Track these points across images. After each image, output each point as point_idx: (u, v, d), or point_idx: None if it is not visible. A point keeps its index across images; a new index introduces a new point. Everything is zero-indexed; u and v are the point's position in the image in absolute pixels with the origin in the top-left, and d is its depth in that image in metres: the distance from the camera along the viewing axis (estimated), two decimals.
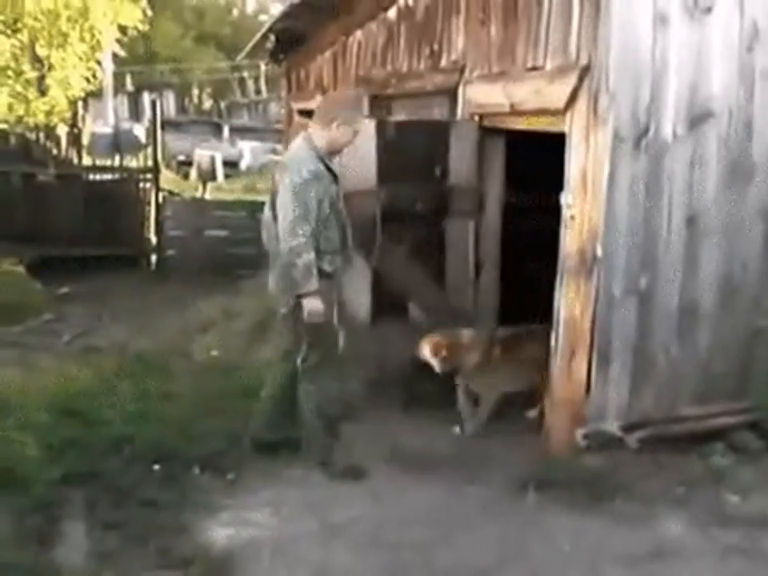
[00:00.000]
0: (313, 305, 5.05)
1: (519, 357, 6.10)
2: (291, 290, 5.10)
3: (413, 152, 6.53)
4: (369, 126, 6.42)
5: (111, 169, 14.42)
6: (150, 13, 18.69)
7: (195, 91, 41.97)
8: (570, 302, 5.46)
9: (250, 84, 42.35)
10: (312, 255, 4.99)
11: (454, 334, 6.04)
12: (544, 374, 5.83)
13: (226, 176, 25.15)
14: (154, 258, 13.40)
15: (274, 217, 5.18)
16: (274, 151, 24.41)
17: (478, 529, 4.69)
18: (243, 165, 27.86)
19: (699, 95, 5.28)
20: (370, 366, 6.41)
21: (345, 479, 5.22)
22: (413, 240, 6.56)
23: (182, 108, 40.09)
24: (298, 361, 5.29)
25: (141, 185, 13.44)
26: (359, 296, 6.57)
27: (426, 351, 5.93)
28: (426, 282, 6.59)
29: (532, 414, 6.25)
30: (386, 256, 6.43)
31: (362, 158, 6.33)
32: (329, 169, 5.22)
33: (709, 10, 5.22)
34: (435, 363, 5.90)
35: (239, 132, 31.77)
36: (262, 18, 35.11)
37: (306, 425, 5.38)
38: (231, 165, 26.67)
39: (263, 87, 41.32)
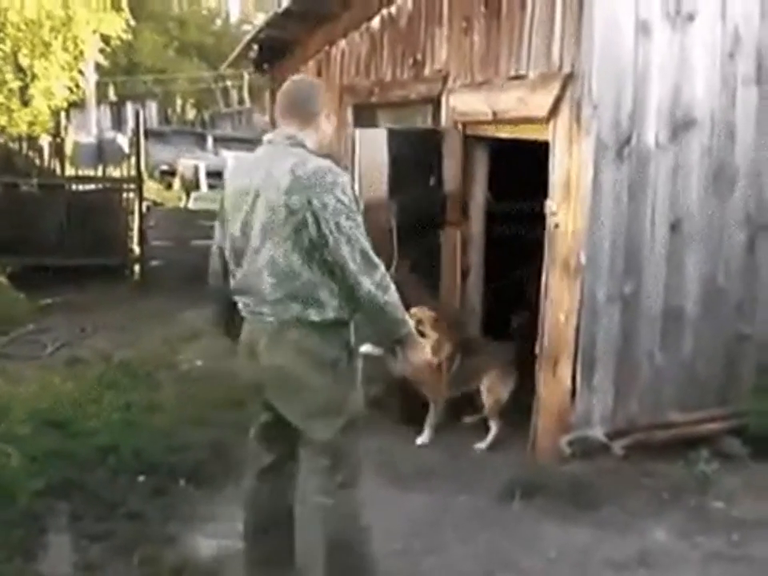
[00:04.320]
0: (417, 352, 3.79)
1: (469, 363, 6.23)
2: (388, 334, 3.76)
3: (413, 161, 6.58)
4: (380, 135, 6.46)
5: (94, 179, 14.37)
6: (132, 22, 18.66)
7: (178, 101, 41.91)
8: (554, 308, 5.48)
9: (234, 94, 42.32)
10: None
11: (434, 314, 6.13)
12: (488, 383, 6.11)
13: (210, 186, 25.07)
14: (137, 268, 13.35)
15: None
16: None
17: (465, 537, 4.68)
18: (227, 174, 27.77)
19: (682, 103, 5.31)
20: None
21: None
22: (416, 251, 6.54)
23: (165, 118, 40.02)
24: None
25: (124, 195, 13.38)
26: None
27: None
28: (423, 294, 6.55)
29: (469, 419, 6.44)
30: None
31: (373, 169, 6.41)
32: None
33: (691, 17, 5.26)
34: None
35: (223, 142, 31.70)
36: (246, 27, 35.11)
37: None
38: (215, 175, 26.61)
39: (247, 97, 41.31)
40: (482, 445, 6.06)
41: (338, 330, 3.62)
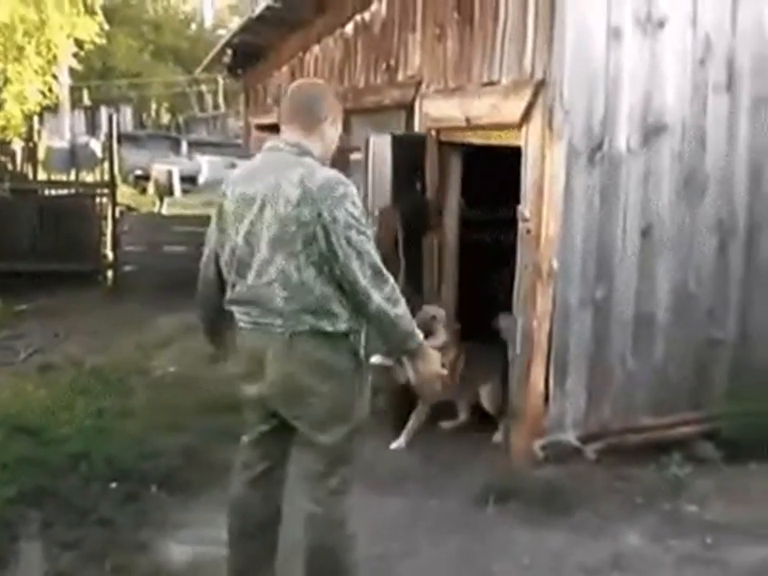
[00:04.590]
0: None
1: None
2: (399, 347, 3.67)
3: (409, 167, 6.62)
4: (386, 141, 6.49)
5: (67, 184, 14.31)
6: (106, 27, 18.60)
7: (153, 105, 41.82)
8: (527, 313, 5.49)
9: (209, 98, 42.30)
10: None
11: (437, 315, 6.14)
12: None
13: (185, 191, 25.02)
14: (110, 273, 13.29)
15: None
16: (233, 166, 24.30)
17: (440, 542, 4.68)
18: (202, 179, 27.75)
19: (653, 109, 5.35)
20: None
21: None
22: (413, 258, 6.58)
23: (139, 122, 39.96)
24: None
25: (97, 200, 13.32)
26: None
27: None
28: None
29: (447, 424, 6.46)
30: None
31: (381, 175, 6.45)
32: None
33: (662, 24, 5.30)
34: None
35: (198, 146, 31.70)
36: (221, 32, 35.10)
37: None
38: (189, 180, 26.56)
39: (221, 101, 41.28)
40: (498, 438, 6.11)
41: (349, 339, 3.56)
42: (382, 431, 6.16)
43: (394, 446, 6.07)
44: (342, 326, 3.50)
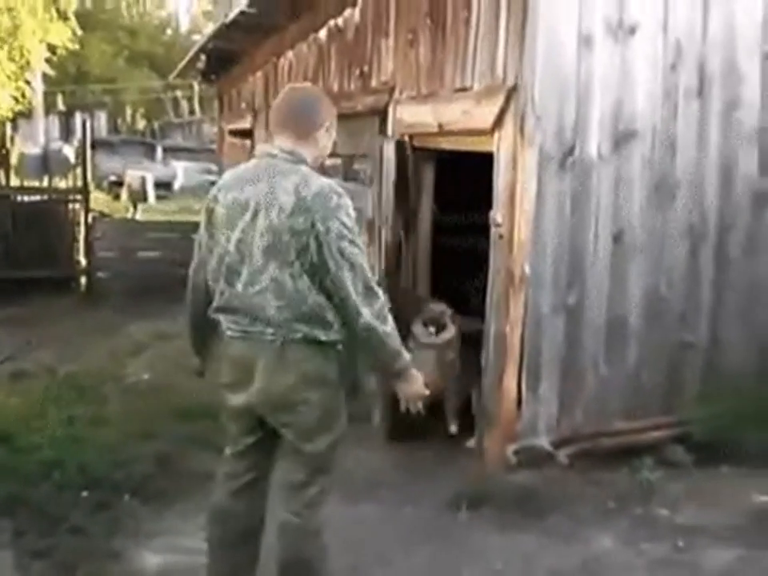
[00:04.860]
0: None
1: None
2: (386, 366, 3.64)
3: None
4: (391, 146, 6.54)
5: (40, 190, 14.25)
6: (80, 32, 18.56)
7: (128, 111, 41.69)
8: (499, 318, 5.50)
9: (184, 104, 42.21)
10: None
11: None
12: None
13: (160, 197, 24.95)
14: (84, 280, 13.23)
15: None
16: (209, 171, 24.30)
17: (412, 551, 4.66)
18: (177, 185, 27.71)
19: (624, 115, 5.38)
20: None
21: None
22: None
23: (114, 128, 39.81)
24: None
25: (70, 206, 13.26)
26: None
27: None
28: None
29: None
30: None
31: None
32: None
33: (633, 31, 5.33)
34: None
35: (173, 152, 31.65)
36: (196, 37, 35.04)
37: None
38: (164, 185, 26.50)
39: (197, 107, 41.20)
40: (472, 443, 6.06)
41: (338, 348, 3.53)
42: (376, 436, 6.20)
43: (452, 429, 6.29)
44: (335, 336, 3.46)
